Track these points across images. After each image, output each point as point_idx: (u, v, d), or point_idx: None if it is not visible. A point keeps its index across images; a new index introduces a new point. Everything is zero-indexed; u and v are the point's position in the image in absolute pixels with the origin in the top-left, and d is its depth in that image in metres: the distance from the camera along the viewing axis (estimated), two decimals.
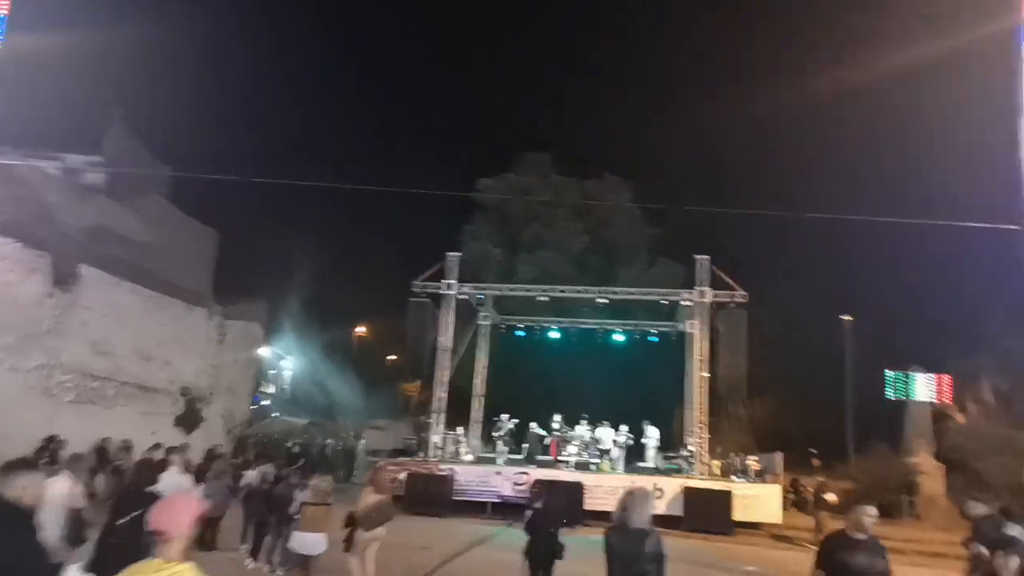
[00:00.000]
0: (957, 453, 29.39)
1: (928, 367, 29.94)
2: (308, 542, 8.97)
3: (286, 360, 41.55)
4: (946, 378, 29.61)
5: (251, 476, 12.61)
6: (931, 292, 31.37)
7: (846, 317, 35.57)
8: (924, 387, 29.56)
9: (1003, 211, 12.48)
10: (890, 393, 29.73)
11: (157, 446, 16.50)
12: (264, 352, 35.34)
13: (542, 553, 8.35)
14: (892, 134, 32.01)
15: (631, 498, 5.39)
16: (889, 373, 29.78)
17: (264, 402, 38.75)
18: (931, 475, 28.06)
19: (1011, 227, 12.49)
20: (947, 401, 30.28)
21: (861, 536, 4.93)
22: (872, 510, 5.01)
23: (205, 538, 12.15)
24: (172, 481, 9.68)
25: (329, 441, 31.33)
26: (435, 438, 23.82)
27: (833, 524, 16.67)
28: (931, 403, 29.76)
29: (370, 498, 8.64)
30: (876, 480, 28.05)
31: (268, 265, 34.79)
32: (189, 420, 25.50)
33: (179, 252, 24.90)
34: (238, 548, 11.69)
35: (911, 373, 29.49)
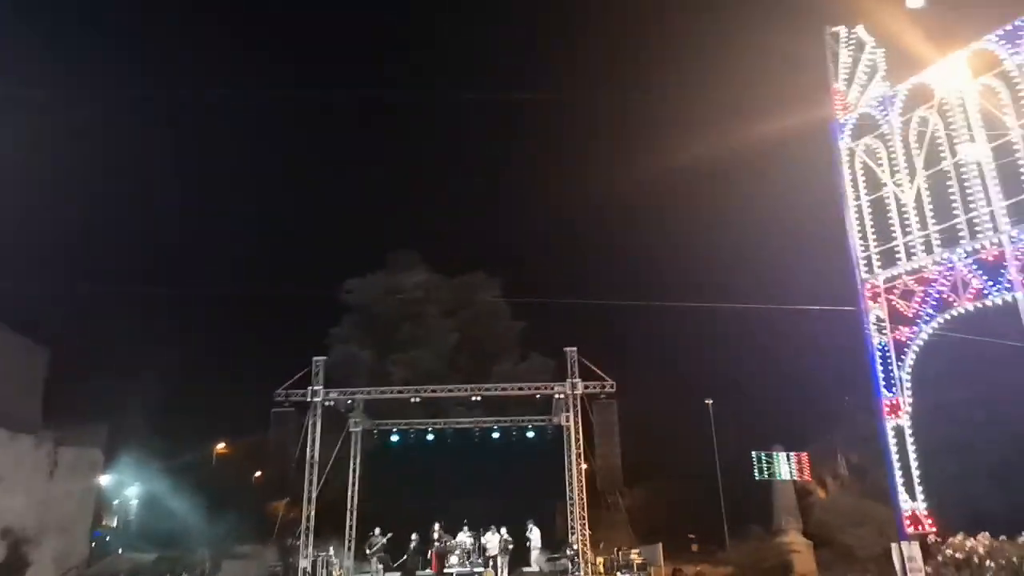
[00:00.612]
0: (822, 528, 30.67)
1: (788, 446, 31.48)
2: None
3: (131, 488, 37.42)
4: (804, 456, 31.20)
5: None
6: (787, 372, 33.40)
7: (708, 401, 37.04)
8: (786, 466, 30.92)
9: (842, 293, 13.51)
10: (756, 474, 30.83)
11: None
12: (105, 480, 31.70)
13: None
14: (739, 221, 34.74)
15: None
16: (754, 454, 30.99)
17: (107, 538, 34.43)
18: (802, 553, 28.98)
19: (847, 308, 13.48)
20: (807, 478, 31.80)
21: None
22: None
23: None
24: None
25: None
26: (304, 562, 21.93)
27: None
28: (794, 481, 31.12)
29: None
30: (753, 563, 28.59)
31: (109, 383, 31.65)
32: (13, 567, 22.09)
33: (1, 372, 22.20)
34: None
35: (774, 453, 30.84)
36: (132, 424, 32.84)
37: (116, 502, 36.55)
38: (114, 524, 35.97)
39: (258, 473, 37.16)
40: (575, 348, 24.08)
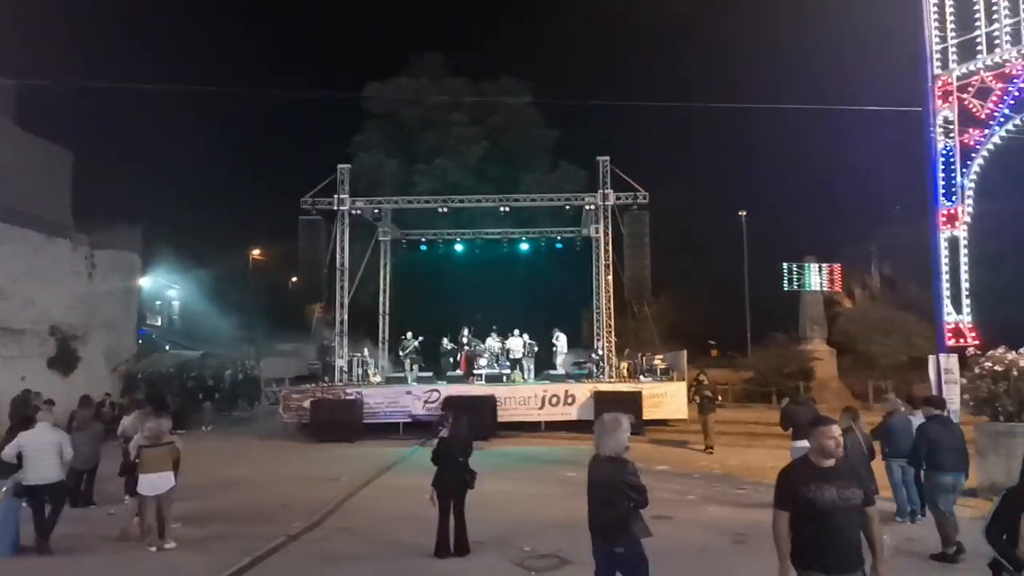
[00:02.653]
0: (846, 337, 31.12)
1: (821, 256, 31.09)
2: (153, 483, 8.43)
3: (173, 289, 38.80)
4: (837, 267, 30.87)
5: (126, 423, 11.27)
6: (831, 180, 32.13)
7: (742, 213, 36.31)
8: (816, 276, 30.72)
9: (908, 91, 12.21)
10: (785, 284, 30.78)
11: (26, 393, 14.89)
12: (145, 282, 32.73)
13: (452, 483, 7.69)
14: (786, 16, 31.66)
15: (600, 426, 5.07)
16: (785, 265, 30.75)
17: (152, 336, 36.27)
18: (824, 360, 29.60)
19: (911, 109, 12.26)
20: (838, 289, 31.71)
21: (828, 463, 4.06)
22: (835, 429, 4.09)
23: (81, 492, 10.97)
24: (41, 439, 8.58)
25: (228, 372, 29.73)
26: (340, 361, 22.79)
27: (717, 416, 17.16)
28: (823, 291, 31.08)
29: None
30: (774, 368, 29.37)
31: (140, 188, 31.62)
32: (64, 361, 23.29)
33: (27, 176, 22.03)
34: (124, 501, 10.44)
35: (805, 264, 30.53)
36: (166, 228, 33.33)
37: (158, 303, 38.14)
38: (158, 323, 37.77)
39: (295, 278, 38.17)
40: (608, 157, 23.05)
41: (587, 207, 23.99)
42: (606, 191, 22.82)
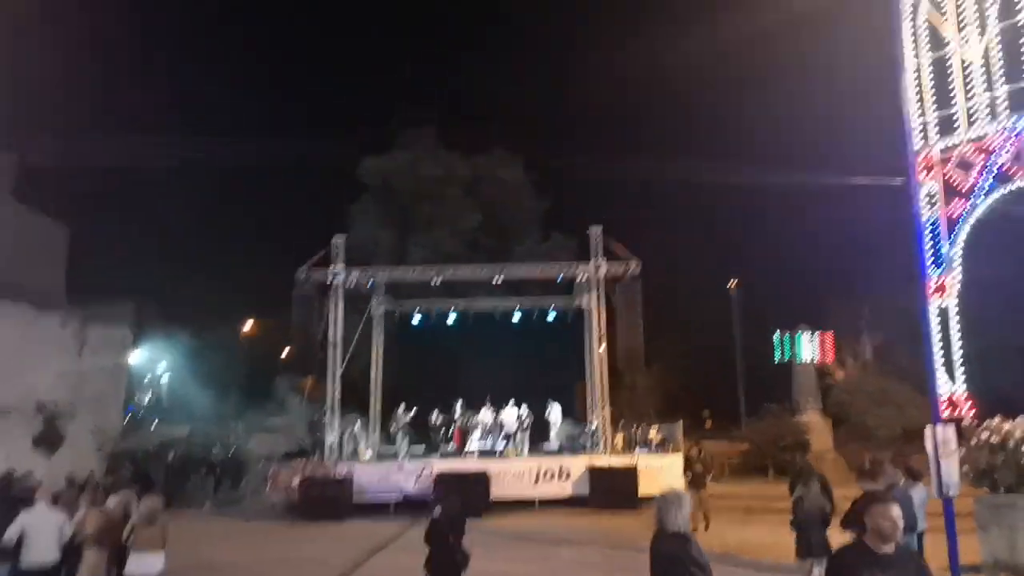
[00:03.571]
0: (841, 408, 30.92)
1: (812, 324, 31.18)
2: (146, 563, 8.16)
3: (162, 364, 38.40)
4: (828, 336, 30.93)
5: (111, 504, 10.94)
6: (820, 250, 32.49)
7: (733, 282, 36.61)
8: (808, 346, 30.73)
9: (891, 164, 12.50)
10: (777, 355, 30.76)
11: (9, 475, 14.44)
12: (135, 357, 32.44)
13: (444, 565, 7.44)
14: (775, 91, 32.63)
15: (663, 502, 4.93)
16: (776, 335, 30.81)
17: (140, 413, 35.69)
18: (819, 432, 29.33)
19: (895, 181, 12.51)
20: (830, 359, 31.69)
21: (887, 549, 3.79)
22: (895, 510, 3.83)
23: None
24: (42, 519, 8.49)
25: (215, 449, 29.12)
26: (330, 437, 22.42)
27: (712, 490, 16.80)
28: (815, 361, 31.05)
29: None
30: (770, 440, 29.03)
31: (133, 262, 31.74)
32: (49, 440, 22.82)
33: (22, 250, 22.08)
34: None
35: (798, 333, 30.59)
36: (159, 302, 33.25)
37: (148, 378, 37.64)
38: (146, 399, 37.20)
39: (285, 351, 37.87)
40: (600, 227, 23.35)
41: (580, 277, 24.12)
42: (598, 261, 23.02)
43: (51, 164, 21.17)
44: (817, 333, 30.84)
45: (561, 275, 24.54)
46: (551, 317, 26.97)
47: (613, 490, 18.89)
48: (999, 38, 11.39)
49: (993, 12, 11.57)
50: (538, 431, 23.78)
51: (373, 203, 35.99)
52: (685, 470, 18.17)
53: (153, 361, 37.16)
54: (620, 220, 27.10)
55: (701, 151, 36.81)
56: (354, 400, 26.35)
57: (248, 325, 41.37)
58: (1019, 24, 11.09)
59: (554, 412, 23.98)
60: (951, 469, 10.86)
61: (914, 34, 12.52)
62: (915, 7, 12.54)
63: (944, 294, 11.17)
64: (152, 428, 32.79)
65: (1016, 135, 10.87)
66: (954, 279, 11.19)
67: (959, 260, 11.27)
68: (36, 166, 22.86)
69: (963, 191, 11.38)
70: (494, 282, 24.34)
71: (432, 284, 24.50)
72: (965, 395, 10.91)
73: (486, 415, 23.24)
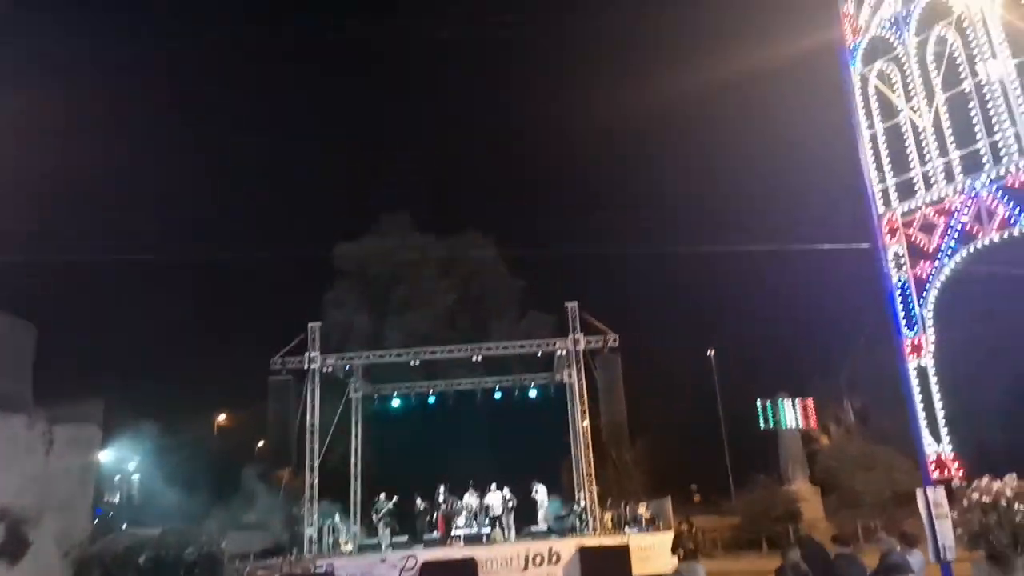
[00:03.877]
0: (829, 475, 30.61)
1: (793, 391, 31.18)
2: None
3: (132, 462, 37.11)
4: (810, 402, 30.90)
5: None
6: (793, 316, 32.86)
7: (710, 352, 36.69)
8: (791, 413, 30.66)
9: (855, 229, 12.84)
10: (761, 423, 30.60)
11: None
12: (104, 456, 31.32)
13: None
14: (743, 157, 33.67)
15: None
16: (759, 403, 30.72)
17: (110, 514, 34.21)
18: (809, 500, 28.92)
19: (860, 246, 12.81)
20: (813, 426, 31.59)
21: None
22: None
23: None
24: None
25: (188, 550, 27.82)
26: (309, 530, 21.61)
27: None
28: (799, 428, 30.91)
29: None
30: (760, 512, 28.51)
31: (102, 358, 31.08)
32: (12, 549, 21.55)
33: None
34: None
35: (779, 400, 30.55)
36: (129, 398, 32.37)
37: (117, 477, 36.26)
38: (116, 500, 35.75)
39: (261, 443, 36.87)
40: (575, 302, 23.51)
41: (558, 352, 24.11)
42: (576, 336, 23.05)
43: (16, 260, 20.86)
44: (798, 400, 30.82)
45: (540, 351, 24.51)
46: (533, 394, 26.76)
47: (606, 571, 18.33)
48: (947, 105, 11.93)
49: (939, 82, 12.17)
50: (525, 513, 23.19)
51: (348, 288, 35.98)
52: (675, 548, 17.67)
53: (123, 460, 35.92)
54: (596, 295, 27.36)
55: (672, 224, 37.59)
56: (334, 490, 25.57)
57: (222, 417, 40.41)
58: (965, 91, 11.66)
59: (540, 492, 23.48)
60: (946, 532, 10.72)
61: (865, 104, 13.09)
62: (864, 79, 13.16)
63: (920, 354, 11.28)
64: (123, 529, 31.39)
65: (974, 196, 11.25)
66: (929, 339, 11.33)
67: (931, 320, 11.44)
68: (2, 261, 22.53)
69: (928, 252, 11.67)
70: (473, 360, 24.21)
71: (411, 365, 24.29)
72: (951, 456, 10.87)
73: (470, 499, 22.68)
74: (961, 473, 10.86)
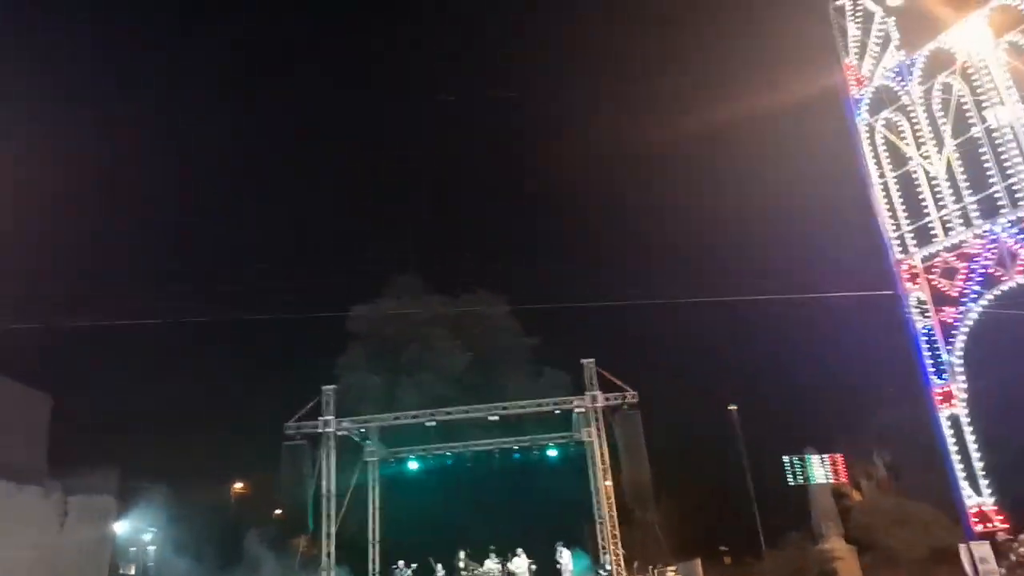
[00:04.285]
0: (864, 532, 29.41)
1: (820, 447, 30.33)
2: None
3: (148, 533, 36.56)
4: (839, 457, 30.03)
5: None
6: (816, 368, 32.19)
7: (732, 407, 35.91)
8: (820, 469, 29.76)
9: (875, 278, 12.64)
10: (790, 479, 29.70)
11: None
12: (120, 527, 30.89)
13: None
14: (756, 210, 33.51)
15: None
16: (785, 458, 29.87)
17: None
18: (845, 559, 27.73)
19: (883, 293, 12.60)
20: (843, 480, 30.59)
21: None
22: None
23: None
24: None
25: None
26: None
27: None
28: (830, 484, 29.93)
29: None
30: (794, 572, 27.38)
31: (117, 427, 30.96)
32: None
33: (3, 422, 21.50)
34: None
35: (806, 456, 29.71)
36: (144, 467, 32.08)
37: (133, 549, 35.70)
38: (132, 572, 35.09)
39: (279, 510, 36.28)
40: (592, 359, 23.21)
41: (576, 410, 23.70)
42: (594, 393, 22.68)
43: (28, 329, 20.96)
44: (826, 455, 29.95)
45: (558, 409, 24.12)
46: (553, 453, 26.24)
47: None
48: (957, 151, 11.88)
49: (947, 129, 12.15)
50: None
51: (361, 351, 35.90)
52: None
53: (139, 530, 35.39)
54: (613, 352, 26.96)
55: (687, 276, 37.35)
56: (351, 556, 24.98)
57: (239, 485, 39.91)
58: (975, 137, 11.61)
59: (564, 556, 22.76)
60: None
61: (875, 153, 13.07)
62: (871, 128, 13.17)
63: (952, 403, 10.91)
64: None
65: (994, 240, 11.07)
66: (959, 387, 10.98)
67: (961, 367, 11.11)
68: (11, 331, 22.67)
69: (952, 298, 11.43)
70: (490, 419, 23.86)
71: (427, 426, 23.94)
72: (994, 508, 10.40)
73: (492, 565, 22.00)
74: (1007, 527, 10.36)
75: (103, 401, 32.78)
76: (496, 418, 24.03)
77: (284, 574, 27.92)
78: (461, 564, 22.46)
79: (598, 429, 22.64)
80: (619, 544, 21.81)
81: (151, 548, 37.59)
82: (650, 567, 22.17)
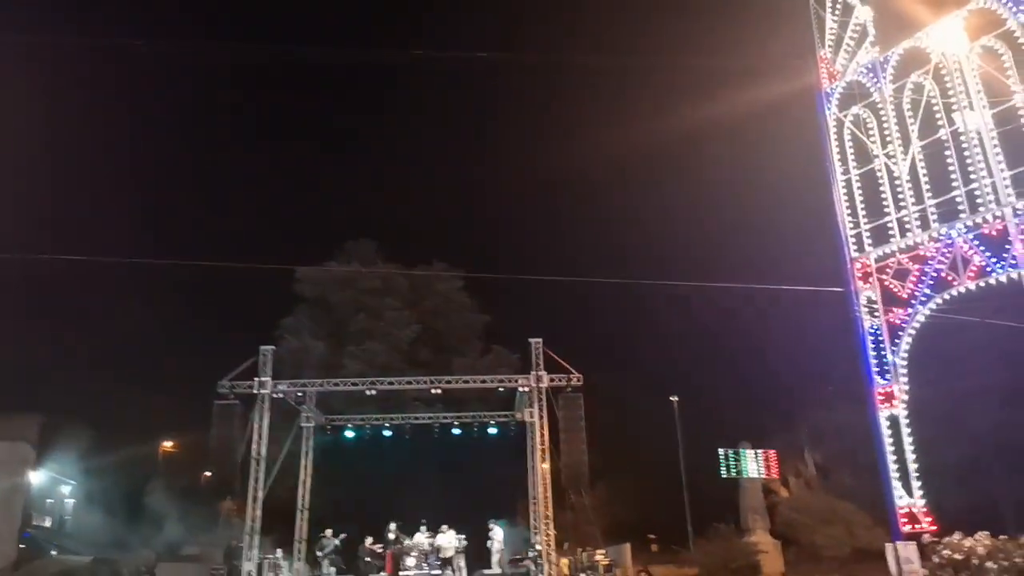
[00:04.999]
0: (789, 528, 30.09)
1: (755, 442, 30.83)
2: None
3: (67, 485, 35.20)
4: (772, 453, 30.57)
5: None
6: (760, 364, 32.64)
7: (674, 398, 36.23)
8: (753, 464, 30.26)
9: (828, 274, 12.58)
10: (724, 471, 30.13)
11: None
12: (37, 478, 29.61)
13: None
14: (715, 197, 33.64)
15: None
16: (721, 452, 30.28)
17: (38, 539, 32.20)
18: (769, 553, 28.30)
19: (833, 289, 12.55)
20: (775, 476, 31.20)
21: None
22: None
23: None
24: None
25: None
26: (248, 565, 20.39)
27: None
28: (761, 479, 30.48)
29: None
30: (719, 563, 27.78)
31: (42, 374, 29.54)
32: None
33: None
34: None
35: (741, 450, 30.17)
36: (68, 417, 30.75)
37: (50, 501, 34.35)
38: (47, 524, 33.76)
39: (209, 471, 35.28)
40: (540, 339, 22.94)
41: (521, 389, 23.46)
42: (540, 373, 22.44)
43: None
44: (760, 450, 30.47)
45: (502, 387, 23.86)
46: (493, 431, 25.99)
47: None
48: (923, 153, 11.84)
49: (915, 129, 12.11)
50: (478, 555, 22.25)
51: (307, 315, 35.00)
52: None
53: (57, 482, 34.04)
54: (561, 335, 26.79)
55: (641, 262, 37.47)
56: (278, 523, 24.37)
57: (166, 442, 38.70)
58: (941, 139, 11.58)
59: (496, 533, 22.58)
60: None
61: (841, 149, 12.98)
62: (840, 123, 13.06)
63: (893, 403, 10.94)
64: (52, 555, 29.53)
65: (949, 244, 11.08)
66: (901, 388, 11.01)
67: (905, 369, 11.14)
68: None
69: (902, 299, 11.43)
70: (432, 393, 23.46)
71: (368, 395, 23.38)
72: (924, 509, 10.47)
73: (421, 538, 21.67)
74: (935, 528, 10.44)
75: (27, 344, 31.22)
76: (439, 392, 23.64)
77: (207, 535, 27.15)
78: (391, 535, 22.08)
79: (540, 409, 22.43)
80: (551, 525, 21.71)
81: (69, 501, 36.26)
82: (579, 549, 22.17)
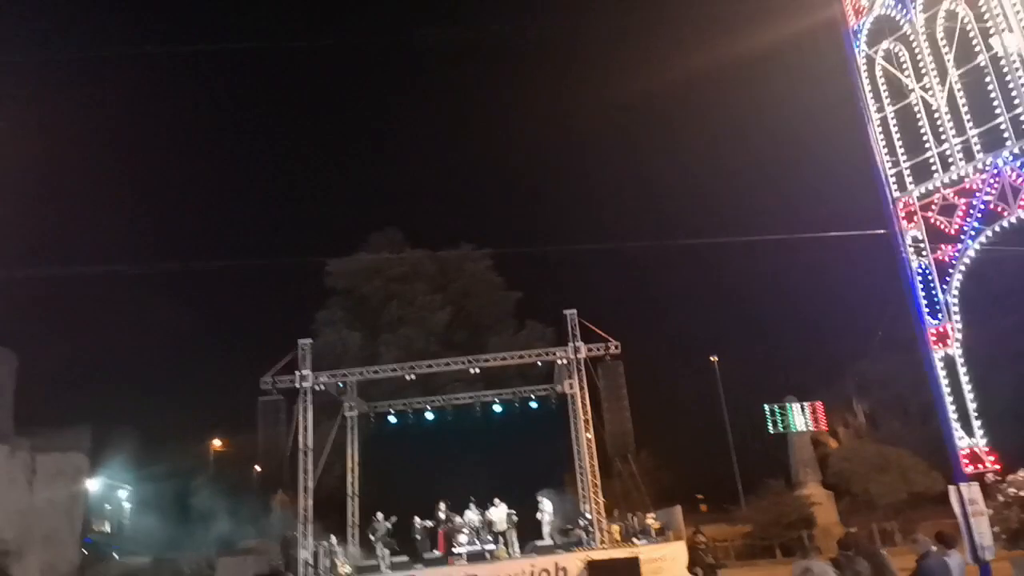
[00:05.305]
0: (841, 479, 29.81)
1: (800, 396, 30.46)
2: None
3: (123, 490, 36.11)
4: (819, 405, 30.20)
5: None
6: (802, 315, 32.12)
7: (714, 358, 35.92)
8: (800, 417, 29.93)
9: (871, 216, 12.19)
10: (771, 427, 29.88)
11: None
12: (94, 485, 30.38)
13: None
14: (748, 145, 32.98)
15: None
16: (766, 407, 30.00)
17: (100, 544, 33.17)
18: (823, 504, 28.12)
19: (877, 232, 12.17)
20: (823, 428, 30.85)
21: None
22: None
23: None
24: None
25: None
26: (304, 553, 20.69)
27: None
28: (810, 432, 30.17)
29: None
30: (772, 519, 27.68)
31: (87, 385, 30.17)
32: None
33: None
34: None
35: (787, 404, 29.84)
36: (117, 425, 31.45)
37: (108, 506, 35.28)
38: (107, 529, 34.73)
39: (257, 467, 35.90)
40: (574, 310, 22.73)
41: (559, 362, 23.31)
42: (576, 344, 22.27)
43: None
44: (806, 403, 30.10)
45: (540, 361, 23.76)
46: (534, 406, 25.96)
47: None
48: (961, 82, 11.35)
49: (951, 59, 11.60)
50: (529, 528, 22.32)
51: (340, 306, 35.23)
52: (692, 565, 16.86)
53: (113, 488, 34.93)
54: (595, 303, 26.66)
55: (673, 221, 37.00)
56: (330, 511, 24.72)
57: (216, 441, 39.45)
58: (980, 66, 11.09)
59: (545, 506, 22.62)
60: (983, 531, 10.00)
61: (873, 86, 12.50)
62: (871, 60, 12.58)
63: (947, 343, 10.60)
64: (114, 559, 30.43)
65: (996, 174, 10.64)
66: (955, 327, 10.66)
67: (957, 306, 10.78)
68: None
69: (950, 235, 11.04)
70: (471, 373, 23.43)
71: (407, 380, 23.48)
72: (986, 449, 10.18)
73: (472, 515, 21.81)
74: (998, 468, 10.15)
75: (72, 357, 31.95)
76: (477, 371, 23.58)
77: (262, 528, 27.67)
78: (442, 515, 22.24)
79: (580, 380, 22.30)
80: (600, 493, 21.69)
81: (127, 505, 37.22)
82: (630, 514, 22.14)
